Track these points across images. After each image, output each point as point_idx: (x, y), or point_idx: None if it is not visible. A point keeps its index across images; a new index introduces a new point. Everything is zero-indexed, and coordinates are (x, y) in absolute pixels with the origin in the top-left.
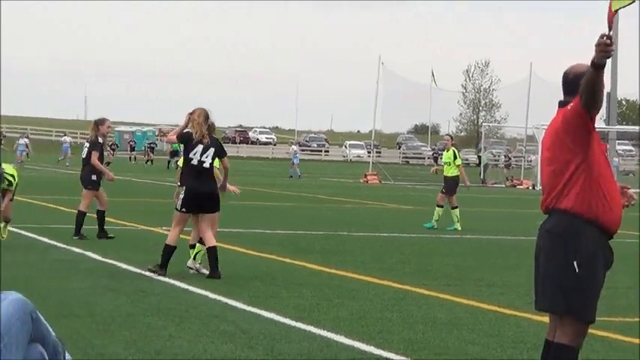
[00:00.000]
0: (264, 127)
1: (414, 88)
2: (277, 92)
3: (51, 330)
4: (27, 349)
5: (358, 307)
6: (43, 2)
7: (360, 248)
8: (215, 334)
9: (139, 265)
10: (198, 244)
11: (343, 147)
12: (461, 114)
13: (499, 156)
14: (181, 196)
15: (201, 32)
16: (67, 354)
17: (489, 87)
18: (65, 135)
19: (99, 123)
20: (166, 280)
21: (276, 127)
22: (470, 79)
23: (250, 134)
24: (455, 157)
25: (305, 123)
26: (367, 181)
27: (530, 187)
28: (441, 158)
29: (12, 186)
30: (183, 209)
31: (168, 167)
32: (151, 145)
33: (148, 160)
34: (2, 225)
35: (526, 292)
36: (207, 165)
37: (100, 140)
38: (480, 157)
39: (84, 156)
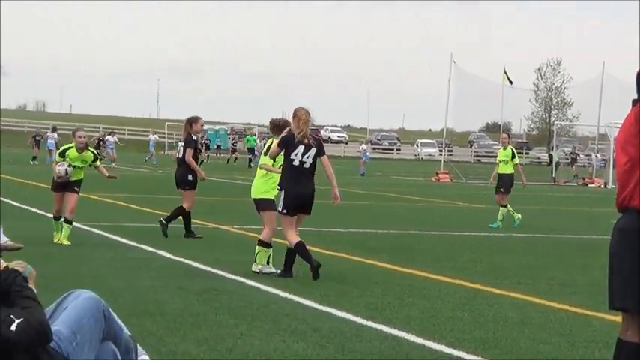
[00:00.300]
0: (336, 126)
1: (486, 87)
2: (349, 90)
3: (124, 327)
4: (99, 347)
5: (429, 306)
6: (116, 2)
7: (431, 247)
8: (286, 332)
9: (210, 264)
10: (257, 246)
11: (415, 145)
12: (532, 112)
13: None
14: (282, 197)
15: (275, 32)
16: (141, 351)
17: (561, 85)
18: (150, 133)
19: (192, 121)
20: (237, 278)
21: (348, 125)
22: (542, 78)
23: (322, 132)
24: (513, 156)
25: (377, 121)
26: (439, 180)
27: (602, 186)
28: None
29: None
30: (284, 211)
31: (249, 166)
32: (234, 144)
33: (229, 159)
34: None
35: (598, 291)
36: (307, 165)
37: (194, 138)
38: (550, 156)
39: (179, 156)
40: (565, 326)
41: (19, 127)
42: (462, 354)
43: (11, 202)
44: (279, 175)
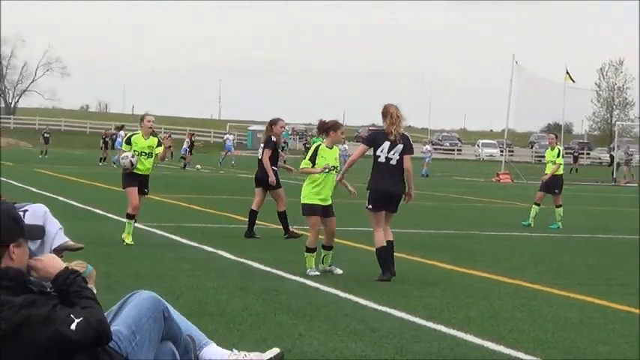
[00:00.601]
0: None
1: (547, 87)
2: (410, 91)
3: (192, 327)
4: (158, 347)
5: (489, 307)
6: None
7: (491, 247)
8: (345, 332)
9: (270, 264)
10: (322, 249)
11: (476, 146)
12: (594, 113)
13: (632, 155)
14: (367, 194)
15: (333, 31)
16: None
17: (623, 85)
18: (228, 134)
19: (272, 123)
20: (297, 279)
21: (409, 125)
22: (604, 78)
23: None
24: (558, 155)
25: (438, 122)
26: (499, 180)
27: None
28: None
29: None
30: (369, 206)
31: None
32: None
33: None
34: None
35: None
36: (394, 162)
37: (274, 139)
38: (612, 157)
39: (260, 157)
40: (625, 327)
41: (81, 127)
42: (520, 354)
43: (73, 203)
44: (323, 177)
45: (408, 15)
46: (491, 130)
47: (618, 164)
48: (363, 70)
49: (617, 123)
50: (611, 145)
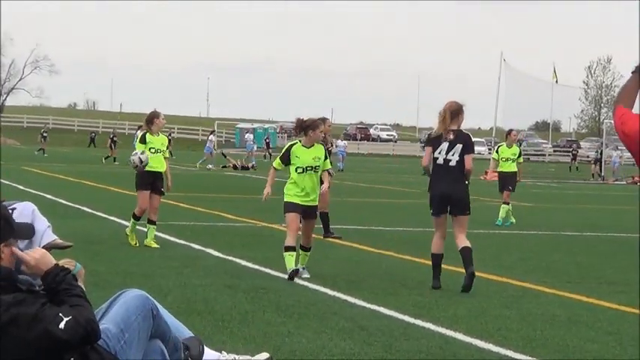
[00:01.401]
0: (385, 124)
1: (535, 85)
2: (398, 89)
3: (183, 328)
4: (147, 345)
5: (477, 305)
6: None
7: (479, 246)
8: (334, 331)
9: (258, 262)
10: (300, 250)
11: None
12: (582, 111)
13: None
14: (429, 197)
15: (322, 30)
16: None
17: (611, 83)
18: (249, 132)
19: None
20: (285, 277)
21: (398, 124)
22: (592, 76)
23: (371, 131)
24: (520, 155)
25: (427, 120)
26: (487, 178)
27: None
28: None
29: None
30: (431, 211)
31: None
32: (267, 140)
33: (265, 155)
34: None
35: None
36: (454, 163)
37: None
38: (601, 153)
39: None
40: (613, 325)
41: (69, 125)
42: (509, 353)
43: (61, 201)
44: (299, 178)
45: (396, 13)
46: (480, 128)
47: (597, 160)
48: (352, 68)
49: (605, 121)
50: (599, 143)
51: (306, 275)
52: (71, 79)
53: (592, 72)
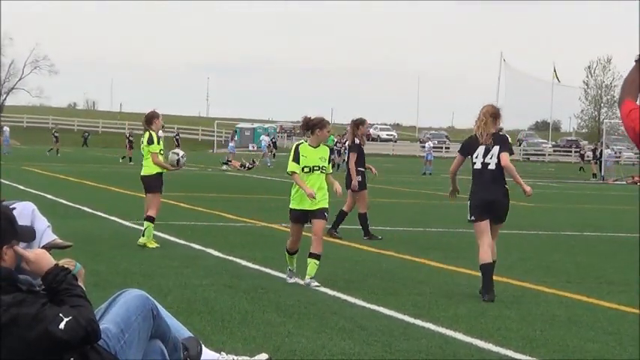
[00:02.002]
0: (385, 124)
1: (535, 85)
2: (398, 89)
3: (182, 328)
4: (147, 345)
5: (477, 305)
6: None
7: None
8: (333, 330)
9: (259, 262)
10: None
11: None
12: (582, 110)
13: (620, 153)
14: (469, 203)
15: (322, 30)
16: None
17: (611, 83)
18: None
19: (359, 123)
20: (285, 276)
21: (397, 123)
22: (592, 76)
23: (371, 131)
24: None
25: (426, 120)
26: None
27: None
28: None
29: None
30: (472, 218)
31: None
32: (273, 140)
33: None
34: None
35: None
36: (493, 167)
37: (357, 141)
38: (601, 152)
39: (346, 159)
40: (613, 325)
41: (69, 125)
42: (509, 353)
43: (61, 201)
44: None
45: (396, 13)
46: None
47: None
48: (351, 67)
49: (605, 121)
50: (599, 142)
51: (316, 284)
52: (71, 79)
53: (592, 72)
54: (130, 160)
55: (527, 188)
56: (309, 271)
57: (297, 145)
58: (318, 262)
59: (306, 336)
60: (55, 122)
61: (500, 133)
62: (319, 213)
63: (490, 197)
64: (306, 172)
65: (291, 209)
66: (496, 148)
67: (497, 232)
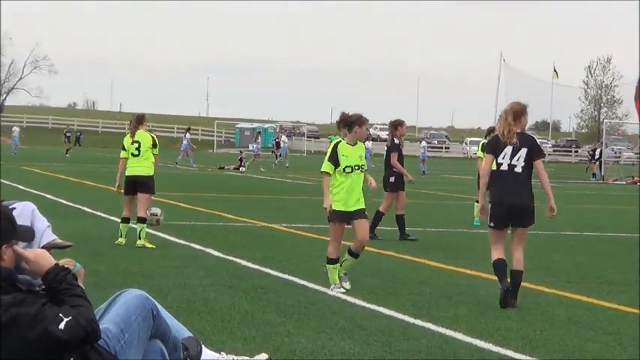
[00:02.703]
0: (385, 124)
1: (535, 85)
2: (398, 89)
3: (182, 328)
4: (147, 345)
5: (477, 305)
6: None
7: (480, 245)
8: (333, 330)
9: (258, 262)
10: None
11: (464, 144)
12: (582, 110)
13: (619, 153)
14: (489, 207)
15: (322, 30)
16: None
17: (611, 83)
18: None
19: (397, 124)
20: (285, 276)
21: None
22: (592, 75)
23: (371, 131)
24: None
25: (426, 120)
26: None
27: None
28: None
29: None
30: (491, 224)
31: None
32: (276, 140)
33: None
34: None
35: None
36: (519, 169)
37: (397, 141)
38: (600, 152)
39: (385, 160)
40: (613, 325)
41: (68, 125)
42: (509, 352)
43: (61, 201)
44: (347, 182)
45: (396, 13)
46: (479, 128)
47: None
48: (351, 67)
49: (604, 121)
50: (599, 142)
51: (346, 285)
52: (71, 79)
53: (592, 72)
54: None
55: (553, 207)
56: (344, 266)
57: (336, 145)
58: (355, 261)
59: (306, 336)
60: (54, 122)
61: (526, 132)
62: (362, 213)
63: (514, 201)
64: (347, 173)
65: (334, 210)
66: (524, 151)
67: (523, 240)
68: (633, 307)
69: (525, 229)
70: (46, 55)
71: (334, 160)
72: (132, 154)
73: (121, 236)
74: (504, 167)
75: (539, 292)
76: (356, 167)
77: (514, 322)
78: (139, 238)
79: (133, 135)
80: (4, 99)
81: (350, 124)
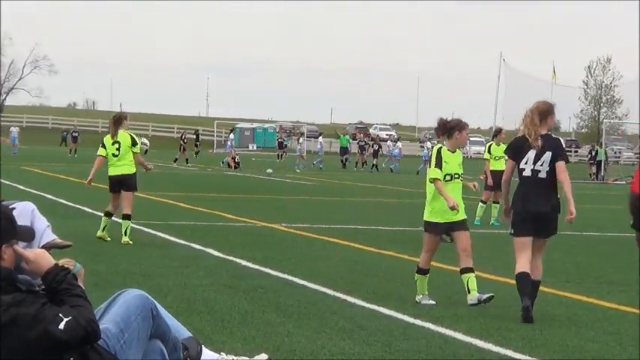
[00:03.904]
0: (385, 124)
1: (535, 84)
2: (398, 89)
3: (182, 328)
4: (147, 345)
5: (477, 305)
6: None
7: (479, 245)
8: (333, 330)
9: (258, 262)
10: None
11: None
12: (582, 110)
13: (619, 153)
14: (511, 215)
15: (322, 30)
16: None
17: (611, 83)
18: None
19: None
20: (285, 276)
21: (397, 123)
22: (591, 76)
23: (371, 131)
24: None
25: (426, 120)
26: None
27: None
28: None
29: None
30: (511, 231)
31: (344, 166)
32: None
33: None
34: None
35: None
36: (543, 175)
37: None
38: (597, 152)
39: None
40: (613, 325)
41: (68, 125)
42: (509, 352)
43: (61, 201)
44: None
45: (396, 13)
46: (479, 128)
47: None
48: (351, 67)
49: (604, 121)
50: (599, 143)
51: (431, 302)
52: (71, 79)
53: (592, 72)
54: (187, 162)
55: (573, 212)
56: (472, 286)
57: (439, 150)
58: (472, 276)
59: (306, 336)
60: (54, 122)
61: (551, 133)
62: (463, 224)
63: (537, 209)
64: (447, 181)
65: (430, 222)
66: (548, 154)
67: (544, 249)
68: (633, 307)
69: (546, 241)
70: (46, 55)
71: (440, 165)
72: (112, 155)
73: (102, 230)
74: (527, 173)
75: (539, 292)
76: (455, 175)
77: (514, 322)
78: (124, 235)
79: (113, 135)
80: (4, 99)
81: (449, 129)
